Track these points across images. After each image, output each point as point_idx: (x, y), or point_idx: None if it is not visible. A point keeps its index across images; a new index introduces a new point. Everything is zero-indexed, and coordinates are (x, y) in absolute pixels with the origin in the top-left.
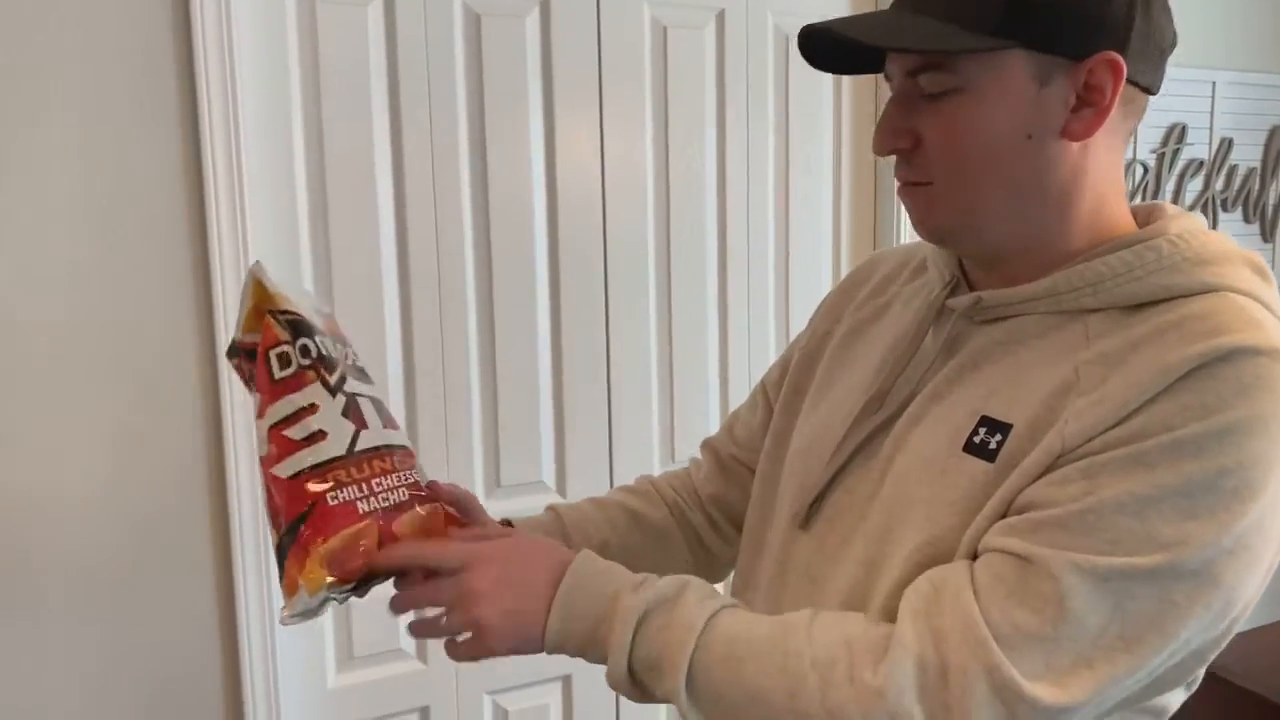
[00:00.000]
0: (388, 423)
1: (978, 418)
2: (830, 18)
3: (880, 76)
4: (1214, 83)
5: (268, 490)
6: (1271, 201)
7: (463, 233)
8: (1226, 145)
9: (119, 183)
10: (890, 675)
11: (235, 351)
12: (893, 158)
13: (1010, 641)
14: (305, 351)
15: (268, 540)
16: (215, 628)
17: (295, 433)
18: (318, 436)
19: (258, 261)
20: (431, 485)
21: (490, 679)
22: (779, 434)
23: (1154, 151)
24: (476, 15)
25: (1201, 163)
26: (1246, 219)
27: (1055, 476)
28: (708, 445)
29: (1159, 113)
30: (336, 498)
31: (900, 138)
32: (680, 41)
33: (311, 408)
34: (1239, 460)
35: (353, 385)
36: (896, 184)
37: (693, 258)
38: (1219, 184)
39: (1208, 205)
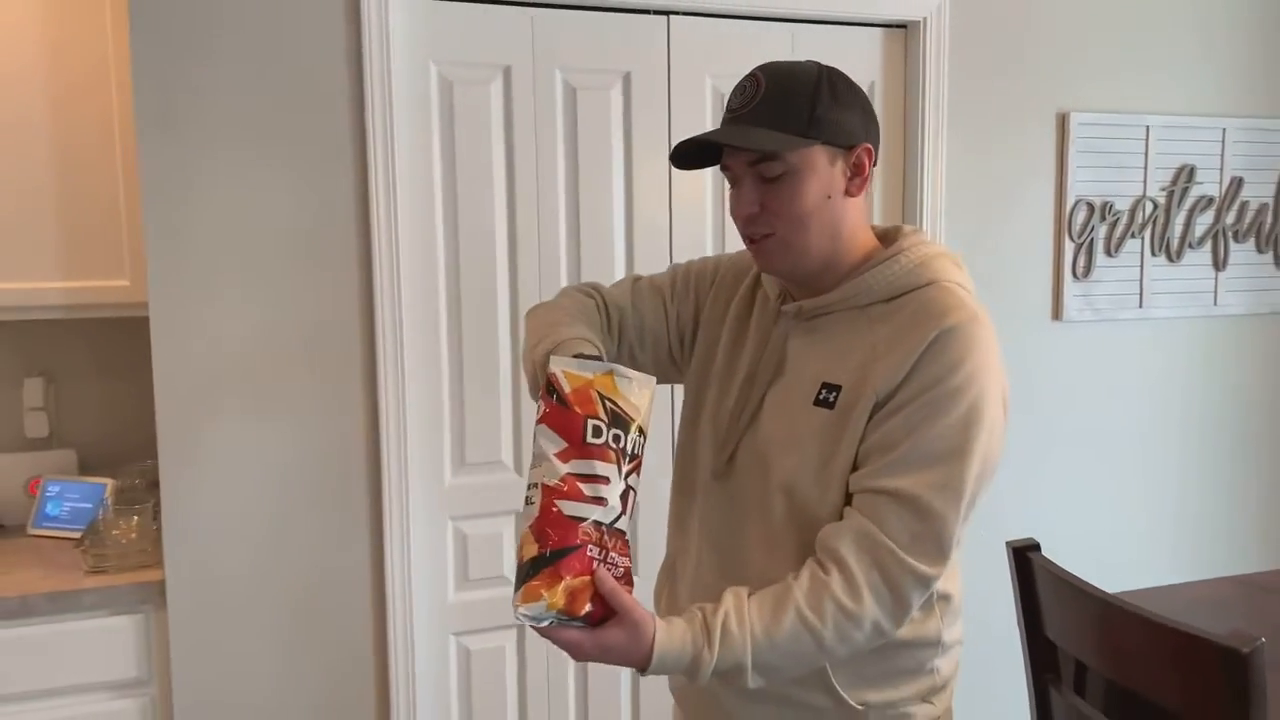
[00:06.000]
0: (632, 513)
1: (819, 383)
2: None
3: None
4: (1224, 129)
5: (543, 509)
6: None
7: (559, 264)
8: (1237, 184)
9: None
10: (866, 603)
11: (546, 385)
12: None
13: (910, 547)
14: (617, 440)
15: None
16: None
17: (587, 489)
18: (600, 502)
19: (617, 366)
20: (628, 572)
21: None
22: (694, 405)
23: (1163, 189)
24: (573, 89)
25: (1211, 199)
26: (1259, 249)
27: (887, 426)
28: (611, 294)
29: (1169, 155)
30: (591, 551)
31: (752, 206)
32: None
33: (605, 479)
34: (978, 390)
35: (632, 479)
36: (745, 241)
37: None
38: (1230, 218)
39: (1218, 236)
